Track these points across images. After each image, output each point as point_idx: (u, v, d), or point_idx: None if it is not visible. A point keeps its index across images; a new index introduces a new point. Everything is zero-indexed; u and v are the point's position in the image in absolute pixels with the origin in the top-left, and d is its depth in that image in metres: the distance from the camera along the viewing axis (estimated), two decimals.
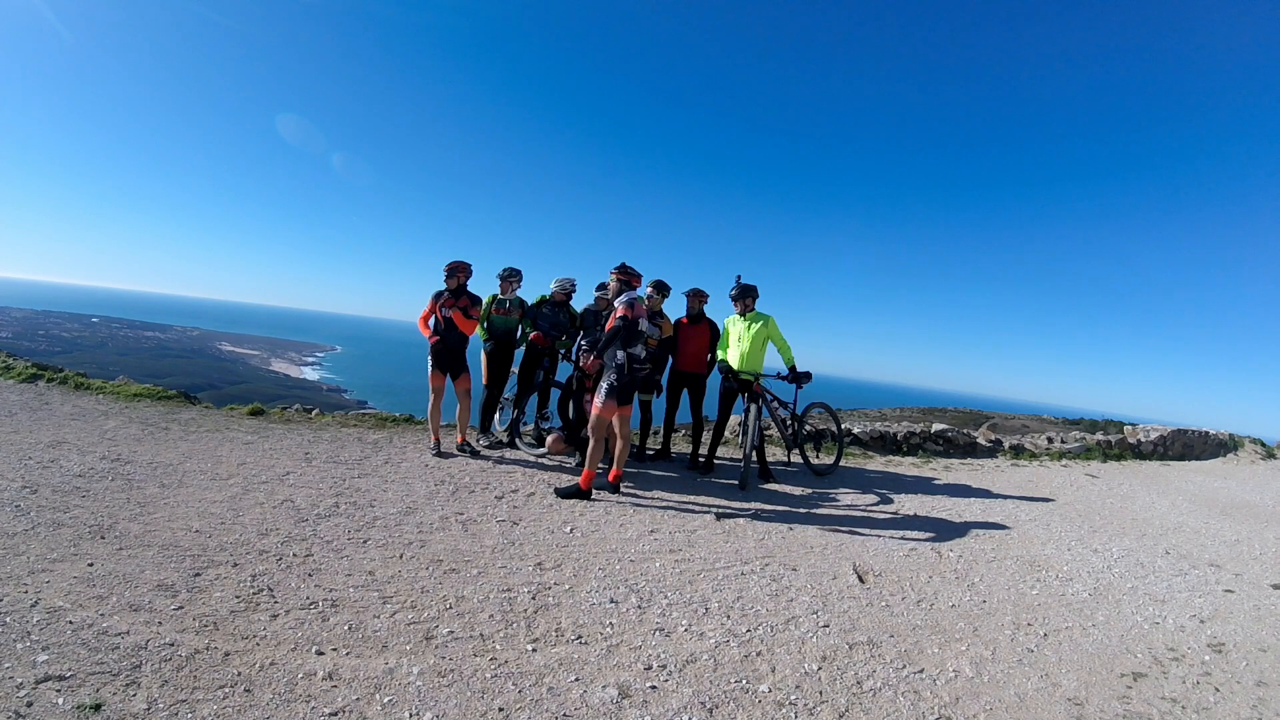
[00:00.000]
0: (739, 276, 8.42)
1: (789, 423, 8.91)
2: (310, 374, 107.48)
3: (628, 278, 7.37)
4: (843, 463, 9.45)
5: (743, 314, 8.36)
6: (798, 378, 8.47)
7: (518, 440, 8.91)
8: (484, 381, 9.09)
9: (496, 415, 9.42)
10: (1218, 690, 4.06)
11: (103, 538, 4.73)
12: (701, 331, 8.72)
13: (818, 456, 9.26)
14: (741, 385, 8.30)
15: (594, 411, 6.96)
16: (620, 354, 6.91)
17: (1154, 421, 14.11)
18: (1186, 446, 13.22)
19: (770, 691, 3.55)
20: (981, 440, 11.68)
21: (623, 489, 7.19)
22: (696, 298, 8.74)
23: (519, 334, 9.04)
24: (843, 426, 9.89)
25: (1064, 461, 11.35)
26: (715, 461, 8.84)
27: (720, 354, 8.53)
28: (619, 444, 7.09)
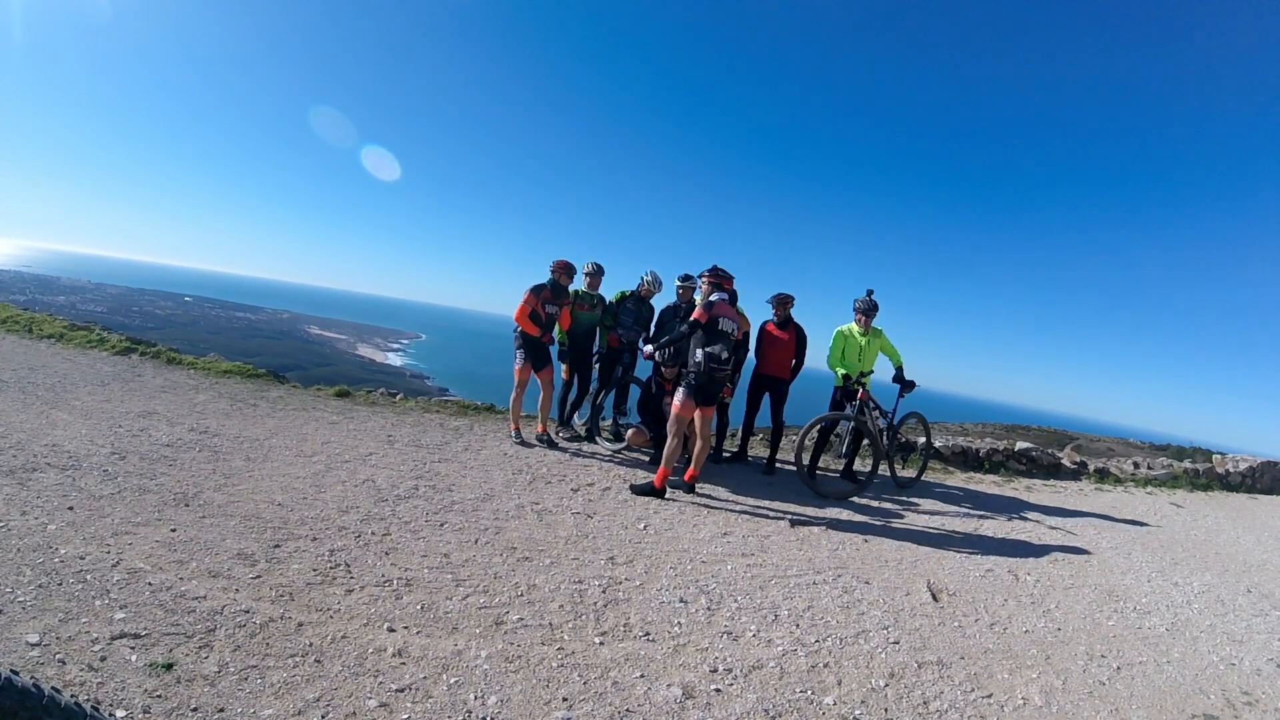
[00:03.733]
0: (870, 291, 8.38)
1: (884, 433, 8.71)
2: (395, 360, 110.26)
3: (719, 280, 7.25)
4: (923, 477, 9.34)
5: (865, 330, 8.33)
6: (905, 383, 8.48)
7: (596, 435, 8.98)
8: (564, 375, 9.17)
9: (576, 409, 9.49)
10: None
11: (186, 505, 4.91)
12: (788, 336, 8.65)
13: (903, 468, 9.14)
14: (849, 395, 8.27)
15: (673, 410, 6.95)
16: (699, 353, 6.86)
17: (1244, 451, 13.54)
18: (1276, 480, 12.59)
19: (835, 704, 3.50)
20: (1066, 461, 11.33)
21: (698, 490, 7.17)
22: (783, 304, 8.67)
23: (599, 330, 9.13)
24: (931, 440, 9.77)
25: (1149, 489, 10.92)
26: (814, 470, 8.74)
27: (836, 365, 8.45)
28: (698, 444, 7.04)
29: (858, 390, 8.13)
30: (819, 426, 8.28)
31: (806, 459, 8.06)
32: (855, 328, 8.39)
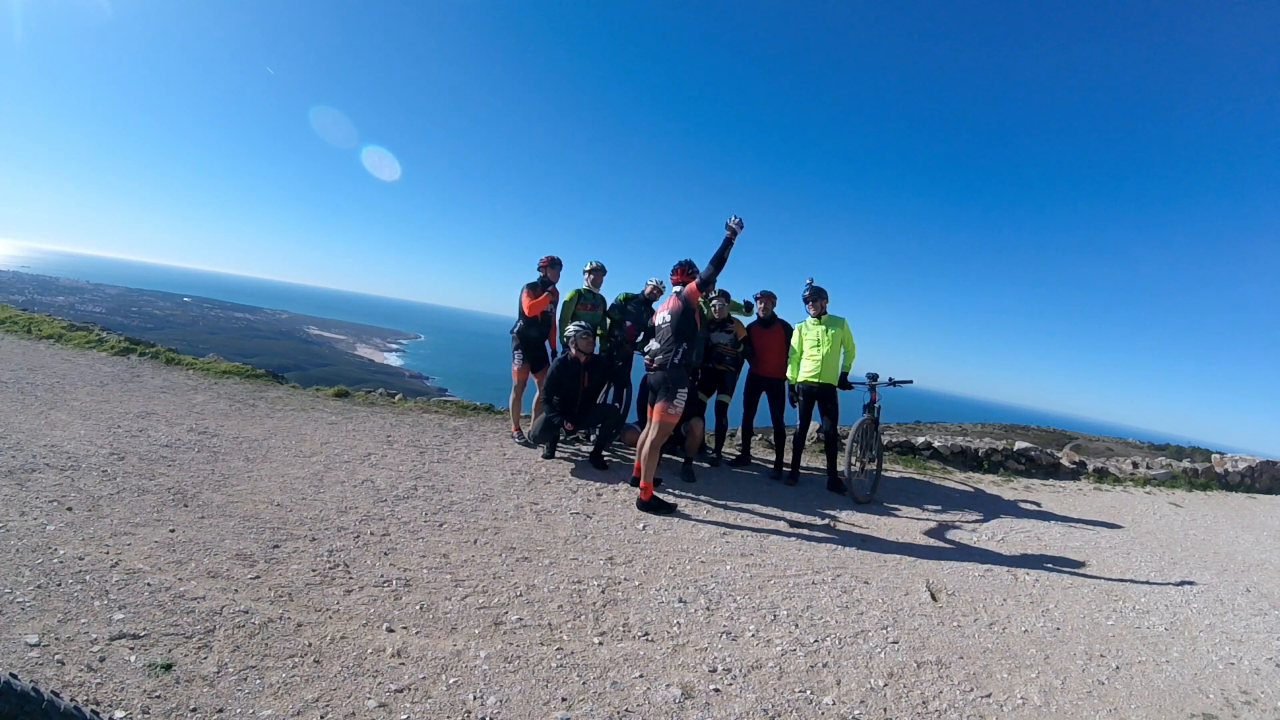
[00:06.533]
0: (811, 280, 8.29)
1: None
2: (393, 360, 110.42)
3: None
4: (923, 477, 9.42)
5: (818, 317, 8.20)
6: (846, 384, 8.32)
7: (591, 434, 8.98)
8: None
9: None
10: None
11: (185, 506, 4.91)
12: (776, 334, 8.58)
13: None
14: (823, 393, 8.13)
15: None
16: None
17: (1243, 451, 13.53)
18: (1275, 479, 12.54)
19: (834, 704, 3.50)
20: (1065, 461, 11.30)
21: (698, 491, 7.18)
22: (766, 300, 8.65)
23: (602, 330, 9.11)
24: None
25: (1148, 488, 10.89)
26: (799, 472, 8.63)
27: (791, 363, 8.39)
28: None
29: (833, 389, 8.12)
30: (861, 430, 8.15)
31: (842, 464, 8.00)
32: (809, 320, 8.29)
